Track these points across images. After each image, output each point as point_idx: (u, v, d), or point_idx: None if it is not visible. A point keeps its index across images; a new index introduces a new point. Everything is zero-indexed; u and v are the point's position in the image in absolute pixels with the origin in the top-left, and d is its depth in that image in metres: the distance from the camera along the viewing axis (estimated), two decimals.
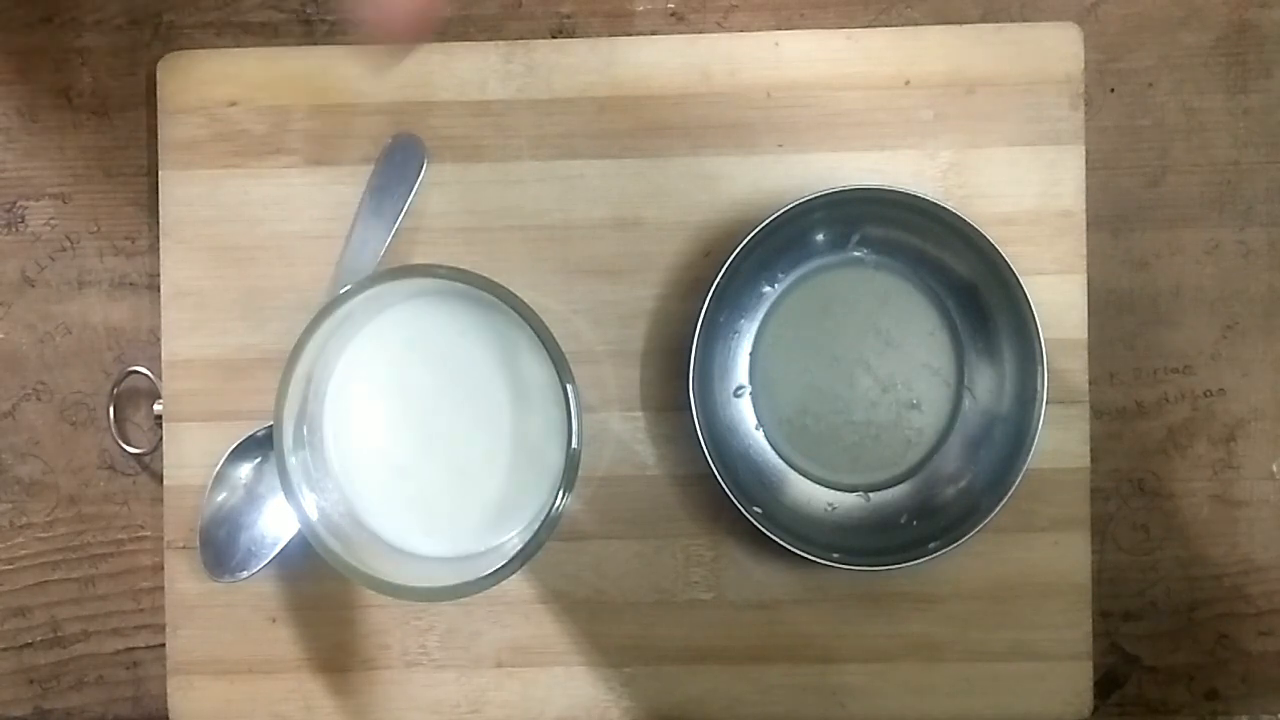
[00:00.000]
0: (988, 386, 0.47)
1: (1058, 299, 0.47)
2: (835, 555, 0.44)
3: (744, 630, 0.47)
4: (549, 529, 0.41)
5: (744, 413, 0.48)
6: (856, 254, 0.47)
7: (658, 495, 0.48)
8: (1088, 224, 0.47)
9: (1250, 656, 0.49)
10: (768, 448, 0.48)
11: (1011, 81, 0.47)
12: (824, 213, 0.45)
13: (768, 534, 0.44)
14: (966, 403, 0.47)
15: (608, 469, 0.48)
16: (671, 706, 0.48)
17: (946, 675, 0.47)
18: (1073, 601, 0.47)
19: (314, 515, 0.42)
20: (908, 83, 0.48)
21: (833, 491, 0.48)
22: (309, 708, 0.48)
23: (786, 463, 0.48)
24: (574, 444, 0.41)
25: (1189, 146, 0.49)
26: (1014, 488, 0.43)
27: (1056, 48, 0.47)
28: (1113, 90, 0.49)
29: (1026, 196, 0.47)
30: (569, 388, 0.41)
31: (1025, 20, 0.49)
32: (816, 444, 0.48)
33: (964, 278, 0.46)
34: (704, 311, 0.44)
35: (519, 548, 0.41)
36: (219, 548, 0.47)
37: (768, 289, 0.48)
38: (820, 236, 0.47)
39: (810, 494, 0.48)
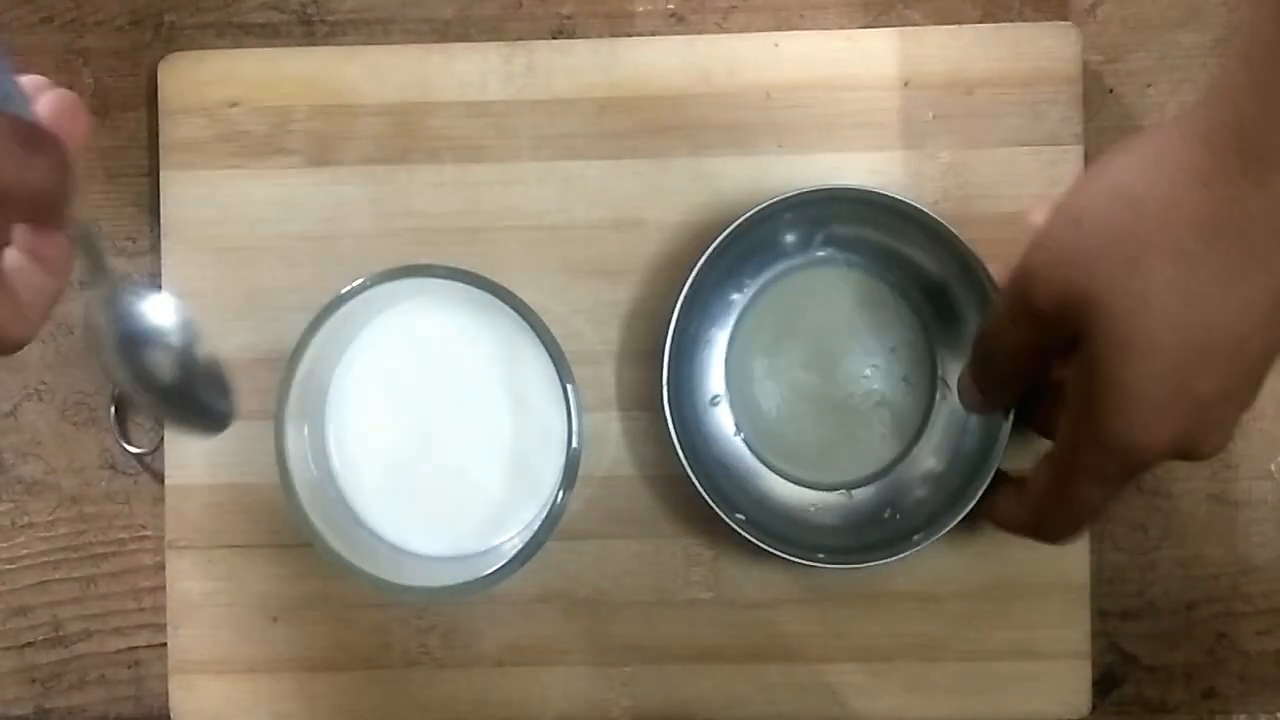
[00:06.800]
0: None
1: None
2: (820, 555, 0.44)
3: (744, 630, 0.48)
4: (549, 529, 0.41)
5: (721, 420, 0.48)
6: (822, 254, 0.47)
7: (658, 495, 0.48)
8: None
9: (1248, 655, 0.49)
10: (747, 453, 0.48)
11: (1011, 82, 0.47)
12: (791, 214, 0.45)
13: (751, 540, 0.44)
14: (940, 397, 0.47)
15: (608, 469, 0.48)
16: (672, 706, 0.48)
17: (945, 674, 0.47)
18: (1071, 601, 0.47)
19: (315, 515, 0.42)
20: (907, 83, 0.48)
21: (815, 492, 0.48)
22: (309, 708, 0.48)
23: (767, 467, 0.48)
24: (574, 444, 0.41)
25: None
26: (989, 479, 0.43)
27: (1056, 48, 0.47)
28: (1112, 90, 0.49)
29: (1026, 197, 0.47)
30: (569, 388, 0.41)
31: (1024, 21, 0.49)
32: (795, 446, 0.48)
33: (933, 274, 0.46)
34: (674, 322, 0.44)
35: (519, 548, 0.41)
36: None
37: (736, 296, 0.48)
38: (786, 238, 0.47)
39: (793, 496, 0.48)
